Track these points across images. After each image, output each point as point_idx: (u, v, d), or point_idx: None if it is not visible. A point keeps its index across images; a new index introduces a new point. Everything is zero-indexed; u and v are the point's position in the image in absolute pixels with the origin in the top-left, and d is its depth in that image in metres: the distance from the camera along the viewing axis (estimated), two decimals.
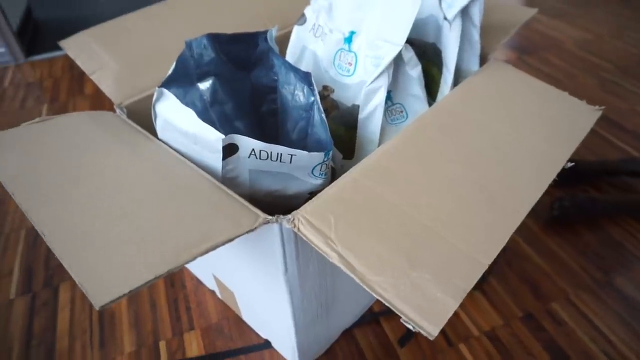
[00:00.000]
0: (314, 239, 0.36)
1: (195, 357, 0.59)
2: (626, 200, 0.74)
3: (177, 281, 0.69)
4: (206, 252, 0.33)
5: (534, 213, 0.77)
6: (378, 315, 0.63)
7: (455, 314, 0.63)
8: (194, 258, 0.32)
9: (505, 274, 0.68)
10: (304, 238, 0.36)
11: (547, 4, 1.47)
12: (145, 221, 0.35)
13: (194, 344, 0.61)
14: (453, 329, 0.61)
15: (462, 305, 0.64)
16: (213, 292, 0.67)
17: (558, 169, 0.44)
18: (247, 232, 0.35)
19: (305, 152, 0.42)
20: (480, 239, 0.37)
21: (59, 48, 1.38)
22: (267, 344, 0.60)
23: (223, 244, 0.34)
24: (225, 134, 0.61)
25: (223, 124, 0.59)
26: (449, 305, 0.33)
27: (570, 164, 0.45)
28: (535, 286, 0.66)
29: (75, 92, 1.17)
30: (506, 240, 0.37)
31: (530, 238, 0.73)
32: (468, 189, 0.41)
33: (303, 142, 0.57)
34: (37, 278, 0.71)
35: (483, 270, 0.35)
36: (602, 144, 0.90)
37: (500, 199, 0.40)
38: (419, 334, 0.61)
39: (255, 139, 0.63)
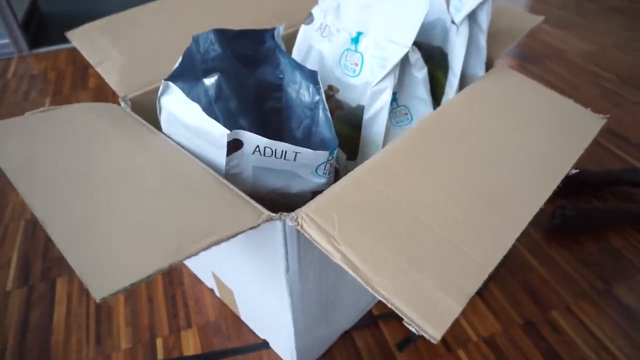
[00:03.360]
0: (318, 237, 0.36)
1: (192, 355, 0.59)
2: (627, 210, 0.74)
3: (175, 278, 0.68)
4: (209, 247, 0.33)
5: (536, 221, 0.76)
6: (377, 319, 0.62)
7: (455, 319, 0.62)
8: (197, 253, 0.32)
9: (506, 281, 0.67)
10: (308, 237, 0.36)
11: (552, 14, 1.48)
12: (147, 214, 0.35)
13: (190, 342, 0.60)
14: (452, 334, 0.61)
15: (462, 311, 0.64)
16: (212, 290, 0.66)
17: (562, 176, 0.44)
18: (250, 228, 0.35)
19: (310, 150, 0.42)
20: (484, 242, 0.37)
21: (63, 41, 1.38)
22: (265, 345, 0.60)
23: (226, 239, 0.34)
24: (230, 130, 0.61)
25: (227, 120, 0.59)
26: (453, 309, 0.32)
27: (574, 171, 0.45)
28: (535, 294, 0.65)
29: (79, 85, 1.16)
30: (510, 245, 0.37)
31: (532, 246, 0.73)
32: (472, 192, 0.40)
33: (307, 141, 0.57)
34: (35, 270, 0.70)
35: (487, 274, 0.35)
36: (605, 155, 0.90)
37: (504, 203, 0.40)
38: (418, 339, 0.60)
39: (259, 135, 0.63)
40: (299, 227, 0.37)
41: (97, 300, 0.27)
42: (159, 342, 0.60)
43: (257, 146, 0.41)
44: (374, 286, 0.33)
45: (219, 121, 0.58)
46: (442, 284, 0.33)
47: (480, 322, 0.62)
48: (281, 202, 0.50)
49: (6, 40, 1.29)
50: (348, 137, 0.57)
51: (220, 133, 0.40)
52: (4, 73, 1.23)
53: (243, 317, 0.62)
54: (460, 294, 0.33)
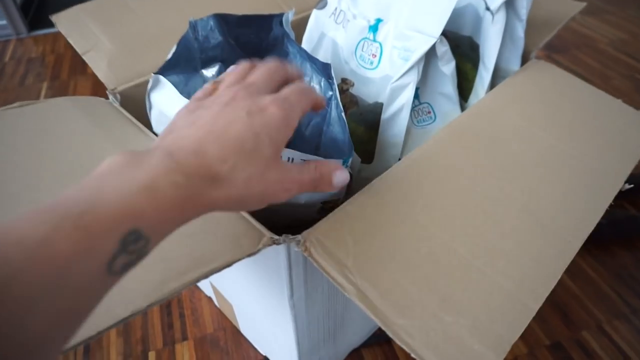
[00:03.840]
0: (328, 267, 0.30)
1: None
2: None
3: None
4: (198, 280, 0.27)
5: None
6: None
7: None
8: (184, 288, 0.27)
9: None
10: (316, 265, 0.30)
11: None
12: None
13: (186, 356, 0.55)
14: None
15: None
16: (210, 299, 0.61)
17: (615, 191, 0.38)
18: (249, 255, 0.30)
19: (321, 159, 0.36)
20: (527, 275, 0.31)
21: None
22: None
23: (219, 270, 0.28)
24: None
25: None
26: None
27: (628, 186, 0.39)
28: (564, 311, 0.59)
29: (78, 70, 1.11)
30: (558, 277, 0.31)
31: None
32: (512, 212, 0.34)
33: (317, 140, 0.51)
34: None
35: (531, 316, 0.29)
36: None
37: (550, 226, 0.34)
38: None
39: None
40: (306, 254, 0.31)
41: None
42: (152, 355, 0.55)
43: None
44: (396, 331, 0.27)
45: None
46: (478, 328, 0.28)
47: None
48: (287, 212, 0.44)
49: (3, 22, 1.23)
50: (363, 138, 0.51)
51: None
52: (1, 56, 1.17)
53: (243, 331, 0.57)
54: (499, 342, 0.27)
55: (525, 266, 0.31)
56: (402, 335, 0.27)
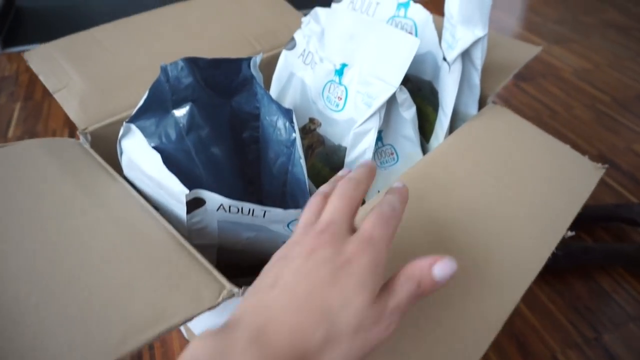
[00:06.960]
0: None
1: None
2: (620, 250, 0.71)
3: None
4: (158, 336, 0.29)
5: None
6: None
7: None
8: (141, 345, 0.28)
9: None
10: None
11: (547, 28, 1.45)
12: (91, 294, 0.30)
13: None
14: None
15: None
16: (179, 331, 0.62)
17: (557, 240, 0.41)
18: (209, 309, 0.31)
19: (279, 210, 0.38)
20: (469, 328, 0.33)
21: (39, 40, 1.31)
22: None
23: (179, 325, 0.30)
24: (201, 162, 0.56)
25: (199, 151, 0.55)
26: None
27: (570, 233, 0.42)
28: (521, 342, 0.62)
29: None
30: (495, 334, 0.33)
31: None
32: (458, 260, 0.37)
33: (283, 178, 0.53)
34: None
35: None
36: (597, 185, 0.87)
37: (491, 278, 0.36)
38: None
39: (235, 164, 0.58)
40: None
41: None
42: None
43: (221, 204, 0.37)
44: None
45: (190, 154, 0.54)
46: None
47: None
48: (251, 251, 0.46)
49: None
50: (328, 179, 0.53)
51: (179, 190, 0.36)
52: None
53: None
54: None
55: (469, 319, 0.33)
56: None
